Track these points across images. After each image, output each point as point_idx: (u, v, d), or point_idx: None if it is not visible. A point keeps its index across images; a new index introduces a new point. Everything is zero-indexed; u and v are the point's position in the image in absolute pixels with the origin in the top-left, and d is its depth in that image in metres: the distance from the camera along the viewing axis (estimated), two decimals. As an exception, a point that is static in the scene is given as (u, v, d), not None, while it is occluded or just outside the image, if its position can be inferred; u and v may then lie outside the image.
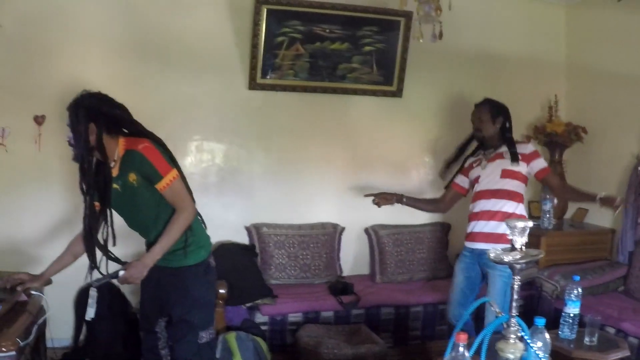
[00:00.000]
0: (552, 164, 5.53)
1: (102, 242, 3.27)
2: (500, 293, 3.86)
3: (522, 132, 5.67)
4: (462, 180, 4.40)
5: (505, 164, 4.06)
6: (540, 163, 4.12)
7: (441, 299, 4.86)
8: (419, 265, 5.38)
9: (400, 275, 5.31)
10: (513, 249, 2.25)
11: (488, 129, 4.17)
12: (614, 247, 5.30)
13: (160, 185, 3.06)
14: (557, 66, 5.94)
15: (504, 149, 4.13)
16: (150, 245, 3.21)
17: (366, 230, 5.48)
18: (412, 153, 5.60)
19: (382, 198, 4.43)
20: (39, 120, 4.71)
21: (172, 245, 3.10)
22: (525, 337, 2.23)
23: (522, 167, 4.07)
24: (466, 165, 4.36)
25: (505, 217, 3.90)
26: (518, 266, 2.23)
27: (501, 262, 2.22)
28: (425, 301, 4.92)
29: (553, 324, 3.91)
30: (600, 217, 5.44)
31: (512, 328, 2.25)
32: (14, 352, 2.72)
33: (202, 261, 3.28)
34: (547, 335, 2.43)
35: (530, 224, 2.25)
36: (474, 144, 4.39)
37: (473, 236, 4.14)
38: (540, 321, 2.44)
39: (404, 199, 4.41)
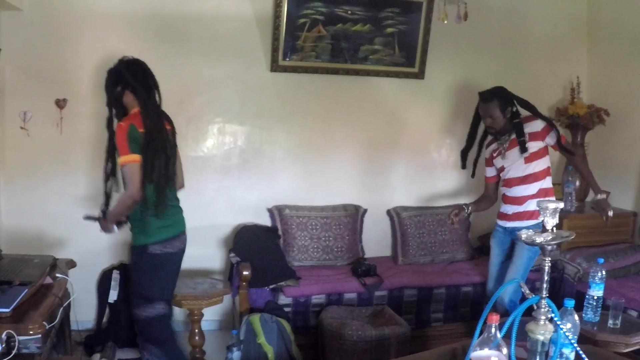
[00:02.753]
0: (574, 147, 5.46)
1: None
2: (524, 263, 4.12)
3: (545, 114, 5.56)
4: (491, 171, 4.44)
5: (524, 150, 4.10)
6: (553, 136, 4.11)
7: (463, 281, 4.90)
8: (441, 247, 5.37)
9: (422, 257, 5.30)
10: (544, 230, 2.24)
11: (500, 122, 4.16)
12: (636, 230, 5.27)
13: (119, 161, 3.51)
14: (579, 46, 5.87)
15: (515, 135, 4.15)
16: None
17: (388, 212, 5.47)
18: (434, 135, 5.58)
19: (455, 216, 4.29)
20: (60, 103, 4.74)
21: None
22: (555, 319, 2.22)
23: (538, 144, 4.12)
24: (487, 156, 4.41)
25: (537, 194, 4.14)
26: (549, 247, 2.22)
27: (532, 244, 2.22)
28: (448, 283, 4.90)
29: (576, 307, 3.89)
30: (623, 200, 5.39)
31: (542, 309, 2.24)
32: (39, 335, 2.74)
33: (139, 245, 3.65)
34: (576, 317, 2.43)
35: (561, 205, 2.24)
36: (483, 126, 4.38)
37: (506, 217, 4.29)
38: (569, 302, 2.43)
39: (469, 209, 4.35)
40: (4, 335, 2.52)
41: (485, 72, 5.40)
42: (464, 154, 4.50)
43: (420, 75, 5.41)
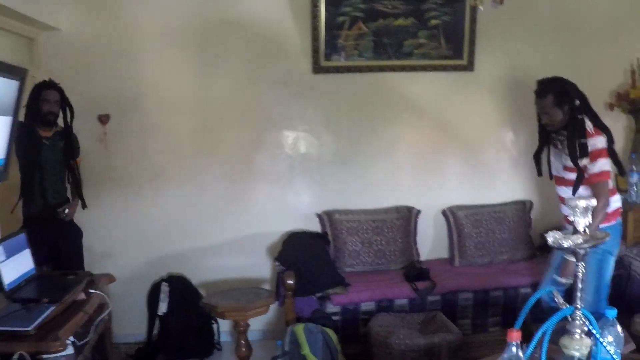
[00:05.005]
0: (638, 134, 5.19)
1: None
2: (594, 273, 3.65)
3: (605, 99, 5.26)
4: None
5: (566, 159, 3.69)
6: (594, 167, 3.60)
7: (522, 282, 4.65)
8: (500, 246, 5.11)
9: (480, 258, 5.07)
10: (575, 231, 2.03)
11: (557, 119, 3.72)
12: None
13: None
14: (638, 26, 5.43)
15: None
16: None
17: (443, 212, 5.24)
18: (488, 130, 5.30)
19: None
20: (103, 119, 4.75)
21: None
22: (594, 332, 2.02)
23: (584, 162, 3.60)
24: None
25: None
26: (582, 251, 2.01)
27: (560, 248, 2.01)
28: (505, 284, 4.65)
29: None
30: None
31: (577, 322, 2.04)
32: (68, 352, 2.75)
33: None
34: (619, 328, 2.18)
35: (594, 202, 2.02)
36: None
37: (564, 217, 3.89)
38: (611, 312, 2.20)
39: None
40: (16, 356, 2.47)
41: (540, 60, 5.11)
42: (537, 157, 4.03)
43: (469, 67, 5.17)
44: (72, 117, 4.24)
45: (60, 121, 4.26)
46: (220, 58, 4.88)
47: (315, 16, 4.76)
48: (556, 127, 3.76)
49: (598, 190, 3.57)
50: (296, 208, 5.11)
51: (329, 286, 4.46)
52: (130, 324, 4.82)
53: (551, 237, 2.04)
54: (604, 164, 3.59)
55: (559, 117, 3.70)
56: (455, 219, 5.15)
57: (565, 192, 3.80)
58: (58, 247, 4.23)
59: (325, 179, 5.14)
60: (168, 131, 4.90)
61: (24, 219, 4.14)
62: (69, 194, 4.42)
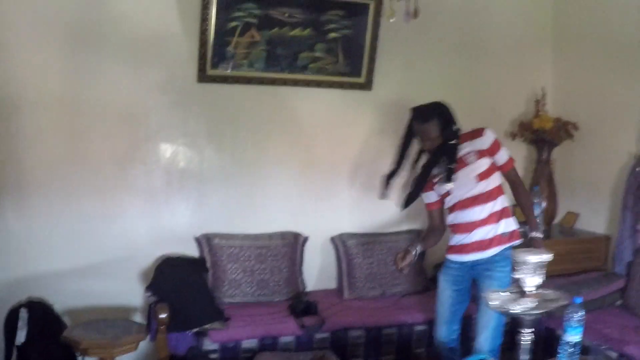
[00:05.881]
0: (540, 164, 5.05)
1: None
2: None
3: (506, 128, 5.12)
4: (432, 196, 3.83)
5: (473, 169, 3.57)
6: (503, 156, 3.62)
7: (418, 319, 4.37)
8: (392, 278, 4.77)
9: (371, 290, 4.73)
10: (522, 293, 1.67)
11: (437, 142, 3.59)
12: (610, 256, 4.76)
13: None
14: (543, 54, 5.39)
15: (463, 150, 3.59)
16: None
17: (332, 240, 4.89)
18: (383, 153, 4.91)
19: (401, 260, 3.65)
20: None
21: None
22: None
23: (487, 161, 3.58)
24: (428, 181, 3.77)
25: (494, 215, 3.59)
26: (529, 318, 1.64)
27: (507, 314, 1.65)
28: (399, 321, 4.33)
29: (546, 351, 3.46)
30: (593, 223, 4.93)
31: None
32: None
33: None
34: None
35: (549, 256, 1.67)
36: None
37: (460, 249, 3.69)
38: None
39: (417, 250, 3.71)
40: None
41: (441, 83, 4.92)
42: (389, 180, 3.86)
43: (367, 86, 4.88)
44: None
45: None
46: (96, 56, 4.30)
47: (204, 19, 4.29)
48: (433, 150, 3.64)
49: (516, 177, 3.72)
50: (172, 229, 4.60)
51: (206, 321, 3.98)
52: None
53: (494, 300, 1.67)
54: (505, 150, 3.64)
55: (439, 140, 3.59)
56: (345, 247, 4.81)
57: (478, 212, 3.59)
58: None
59: (206, 198, 4.67)
60: (33, 137, 4.25)
61: None
62: None
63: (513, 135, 5.06)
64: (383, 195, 3.86)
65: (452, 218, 3.72)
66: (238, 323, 4.06)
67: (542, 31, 5.38)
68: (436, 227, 3.90)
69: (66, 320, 4.27)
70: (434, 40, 5.00)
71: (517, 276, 1.73)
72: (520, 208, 3.82)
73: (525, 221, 3.74)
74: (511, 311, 1.65)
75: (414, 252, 3.66)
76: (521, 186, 3.76)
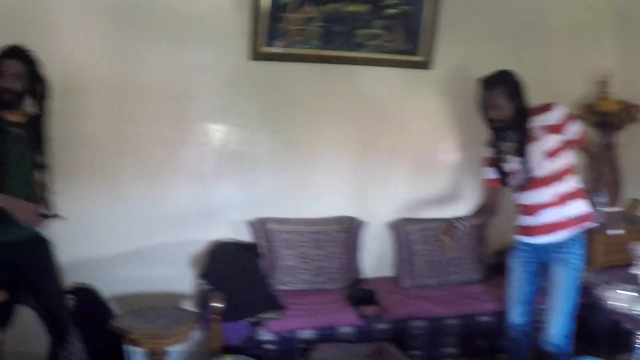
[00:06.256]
0: (606, 148, 4.79)
1: None
2: (573, 287, 3.43)
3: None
4: (492, 172, 3.65)
5: (541, 145, 3.38)
6: (576, 129, 3.41)
7: (480, 309, 4.17)
8: (451, 266, 4.59)
9: (430, 279, 4.54)
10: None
11: (507, 114, 3.39)
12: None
13: None
14: (607, 35, 5.13)
15: (532, 124, 3.40)
16: None
17: (390, 225, 4.69)
18: (444, 134, 4.81)
19: (444, 234, 3.50)
20: None
21: None
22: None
23: (554, 138, 3.36)
24: (489, 154, 3.66)
25: (562, 197, 3.42)
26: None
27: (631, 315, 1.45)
28: (463, 312, 4.13)
29: (615, 344, 3.53)
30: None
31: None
32: None
33: None
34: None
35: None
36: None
37: (528, 230, 3.55)
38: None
39: (463, 224, 3.54)
40: None
41: (502, 62, 4.40)
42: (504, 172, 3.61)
43: (426, 64, 4.65)
44: (43, 96, 3.36)
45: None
46: (143, 36, 4.16)
47: (258, -7, 4.12)
48: (504, 123, 3.44)
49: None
50: (223, 213, 4.44)
51: (262, 310, 3.81)
52: (33, 341, 4.01)
53: (616, 301, 1.47)
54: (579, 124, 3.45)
55: (509, 112, 3.40)
56: (404, 233, 4.61)
57: (545, 193, 3.43)
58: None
59: (259, 181, 4.50)
60: (79, 119, 4.11)
61: None
62: None
63: (576, 118, 4.80)
64: (506, 182, 3.62)
65: (518, 197, 3.57)
66: (294, 312, 3.89)
67: (605, 12, 5.13)
68: (489, 205, 3.72)
69: (113, 307, 4.14)
70: (495, 19, 4.79)
71: (636, 272, 1.53)
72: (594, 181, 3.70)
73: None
74: (635, 312, 1.45)
75: (460, 226, 3.50)
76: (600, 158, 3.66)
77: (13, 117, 3.25)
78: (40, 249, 3.45)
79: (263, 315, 3.79)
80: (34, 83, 3.30)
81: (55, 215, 3.41)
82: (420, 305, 4.14)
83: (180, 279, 4.38)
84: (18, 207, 3.18)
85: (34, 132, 3.35)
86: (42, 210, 3.34)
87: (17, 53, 3.22)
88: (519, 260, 3.63)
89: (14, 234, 3.25)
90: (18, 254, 3.31)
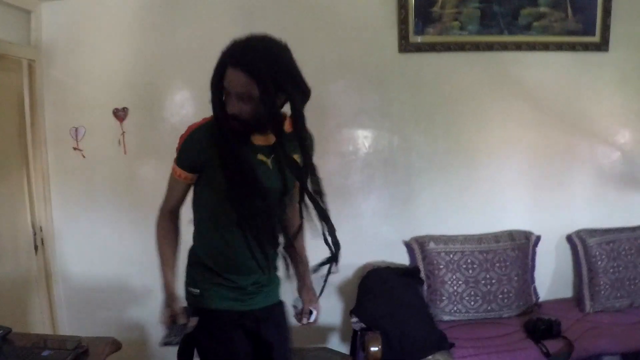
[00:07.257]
0: None
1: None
2: None
3: None
4: None
5: None
6: None
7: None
8: (643, 285, 3.89)
9: (617, 301, 3.84)
10: None
11: None
12: None
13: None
14: None
15: None
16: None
17: (569, 238, 4.02)
18: (627, 130, 4.11)
19: None
20: (119, 114, 3.70)
21: None
22: None
23: None
24: None
25: None
26: None
27: None
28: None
29: None
30: None
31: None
32: None
33: None
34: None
35: None
36: None
37: None
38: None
39: None
40: None
41: None
42: None
43: (603, 46, 3.98)
44: (298, 110, 2.20)
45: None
46: (274, 28, 3.64)
47: (405, -25, 3.60)
48: None
49: None
50: (375, 233, 3.94)
51: (428, 351, 3.20)
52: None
53: None
54: None
55: None
56: (584, 247, 3.91)
57: None
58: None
59: (414, 193, 3.96)
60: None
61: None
62: None
63: None
64: None
65: None
66: (465, 352, 3.29)
67: None
68: None
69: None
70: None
71: None
72: None
73: None
74: None
75: None
76: None
77: (260, 140, 2.26)
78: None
79: (430, 358, 3.18)
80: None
81: None
82: (612, 336, 3.46)
83: (326, 310, 3.82)
84: None
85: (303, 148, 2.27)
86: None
87: (241, 60, 2.08)
88: None
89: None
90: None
